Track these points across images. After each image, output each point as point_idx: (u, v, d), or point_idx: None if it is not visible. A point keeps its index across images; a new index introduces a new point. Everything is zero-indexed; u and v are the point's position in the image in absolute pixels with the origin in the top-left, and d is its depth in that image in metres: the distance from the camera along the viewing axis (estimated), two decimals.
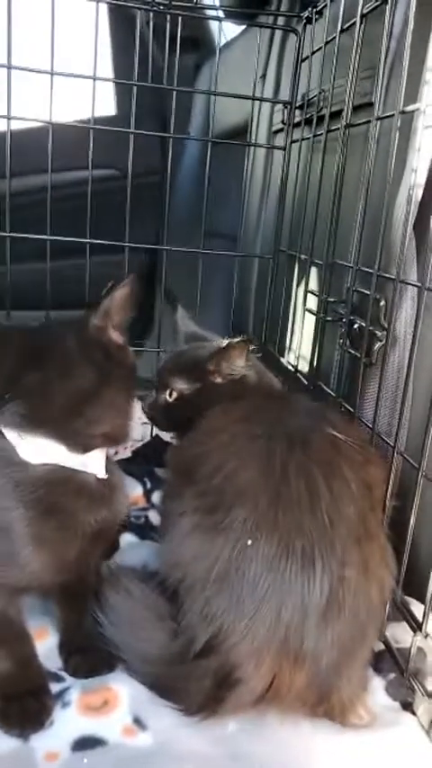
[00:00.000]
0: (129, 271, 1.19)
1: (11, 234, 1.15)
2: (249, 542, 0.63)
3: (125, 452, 1.23)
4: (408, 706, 0.65)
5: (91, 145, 1.12)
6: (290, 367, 1.16)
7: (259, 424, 0.73)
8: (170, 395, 0.92)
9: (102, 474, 0.69)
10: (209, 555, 0.65)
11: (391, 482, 0.75)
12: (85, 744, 0.62)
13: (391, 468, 0.75)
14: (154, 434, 1.27)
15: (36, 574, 0.65)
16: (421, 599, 0.70)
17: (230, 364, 0.88)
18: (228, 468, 0.69)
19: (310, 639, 0.61)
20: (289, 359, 1.19)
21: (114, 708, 0.66)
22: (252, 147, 1.37)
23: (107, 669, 0.71)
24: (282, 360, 1.21)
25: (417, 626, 0.68)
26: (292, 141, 1.21)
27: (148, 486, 1.15)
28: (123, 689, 0.68)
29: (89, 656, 0.72)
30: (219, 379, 0.88)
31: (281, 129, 1.27)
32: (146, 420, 1.31)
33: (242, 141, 1.35)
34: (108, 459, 0.72)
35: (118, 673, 0.70)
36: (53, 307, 1.23)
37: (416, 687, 0.65)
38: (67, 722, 0.64)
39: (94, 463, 0.68)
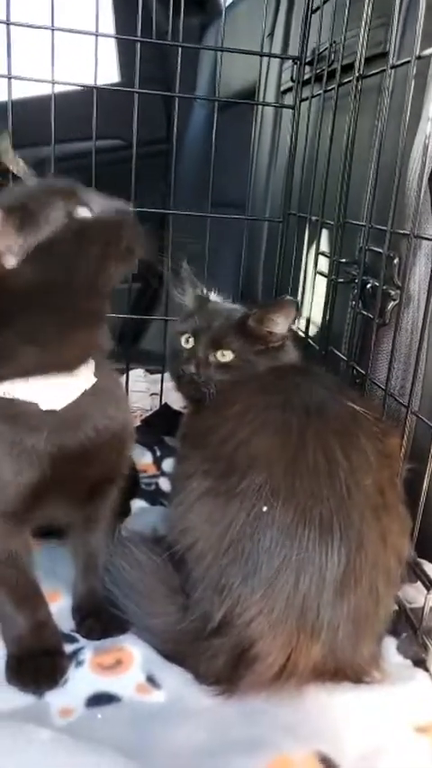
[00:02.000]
0: None
1: None
2: (265, 508, 0.61)
3: (135, 421, 1.23)
4: (420, 663, 0.65)
5: (95, 106, 1.09)
6: (300, 333, 1.14)
7: (275, 395, 0.71)
8: (223, 355, 0.86)
9: (46, 406, 0.62)
10: (221, 521, 0.63)
11: (404, 443, 0.74)
12: (99, 700, 0.62)
13: (404, 428, 0.74)
14: (163, 403, 1.26)
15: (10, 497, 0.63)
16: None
17: (280, 324, 0.85)
18: (242, 435, 0.67)
19: (326, 611, 0.60)
20: (300, 325, 1.17)
21: (128, 667, 0.66)
22: (260, 108, 1.34)
23: (120, 631, 0.71)
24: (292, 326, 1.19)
25: (430, 585, 0.68)
26: (302, 99, 1.17)
27: (158, 454, 1.14)
28: (136, 649, 0.68)
29: (102, 618, 0.72)
30: (276, 341, 0.86)
31: (290, 89, 1.24)
32: (155, 391, 1.31)
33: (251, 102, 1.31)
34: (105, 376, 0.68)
35: (130, 634, 0.71)
36: None
37: (429, 644, 0.65)
38: (81, 680, 0.64)
39: (38, 393, 0.62)
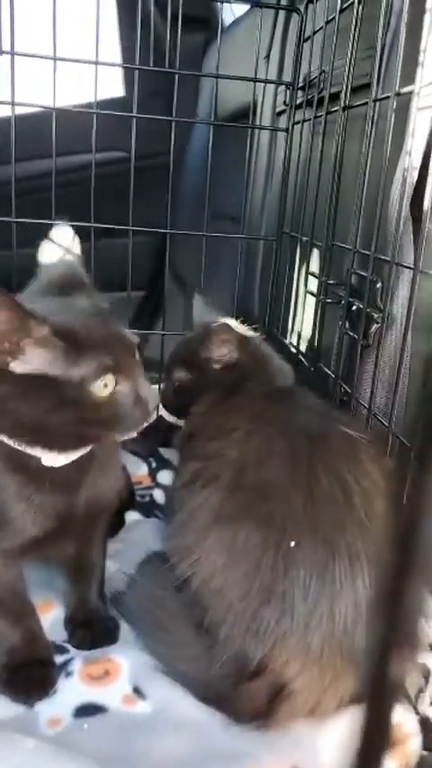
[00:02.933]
0: (135, 254, 1.21)
1: (17, 219, 1.17)
2: (293, 543, 0.61)
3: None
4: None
5: (94, 129, 1.13)
6: (292, 349, 1.17)
7: (273, 423, 0.72)
8: (174, 383, 0.94)
9: (47, 462, 0.64)
10: (246, 557, 0.62)
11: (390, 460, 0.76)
12: (87, 710, 0.65)
13: (387, 448, 0.76)
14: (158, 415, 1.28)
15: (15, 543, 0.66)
16: None
17: (215, 350, 0.88)
18: (250, 459, 0.68)
19: (362, 640, 0.59)
20: (292, 340, 1.20)
21: (115, 678, 0.69)
22: (257, 130, 1.37)
23: (109, 642, 0.74)
24: (285, 341, 1.22)
25: None
26: (295, 123, 1.21)
27: (153, 465, 1.17)
28: (124, 660, 0.71)
29: (93, 629, 0.75)
30: (215, 366, 0.89)
31: (284, 111, 1.27)
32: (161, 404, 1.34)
33: (247, 123, 1.35)
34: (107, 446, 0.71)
35: (119, 645, 0.73)
36: None
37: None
38: (70, 691, 0.67)
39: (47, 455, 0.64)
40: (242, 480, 0.67)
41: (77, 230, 1.20)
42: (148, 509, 1.04)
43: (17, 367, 0.58)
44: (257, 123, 1.36)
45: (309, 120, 1.10)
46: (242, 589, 0.62)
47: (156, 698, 0.67)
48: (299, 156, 1.16)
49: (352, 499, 0.63)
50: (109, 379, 0.60)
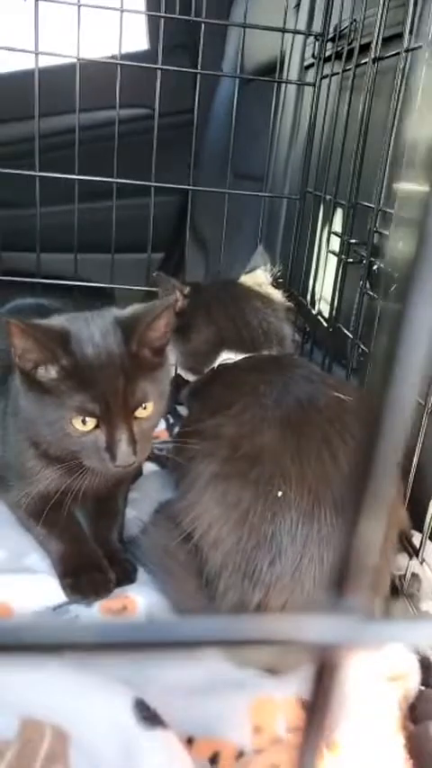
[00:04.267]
0: (156, 215, 1.21)
1: (40, 173, 1.17)
2: (280, 493, 0.65)
3: None
4: None
5: (118, 81, 1.12)
6: (312, 309, 1.18)
7: (268, 395, 0.76)
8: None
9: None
10: (237, 506, 0.67)
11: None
12: None
13: None
14: (176, 373, 1.31)
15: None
16: (421, 530, 0.74)
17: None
18: (244, 430, 0.72)
19: None
20: (312, 300, 1.20)
21: (132, 613, 0.73)
22: (283, 85, 1.34)
23: (128, 582, 0.78)
24: (304, 301, 1.23)
25: (414, 553, 0.72)
26: (323, 77, 1.18)
27: (171, 421, 1.20)
28: (140, 598, 0.75)
29: (115, 569, 0.78)
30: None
31: (312, 65, 1.24)
32: (172, 361, 1.36)
33: (275, 77, 1.32)
34: None
35: (136, 585, 0.77)
36: (81, 250, 1.27)
37: (409, 605, 0.70)
38: (90, 620, 0.71)
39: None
40: (237, 452, 0.71)
41: (98, 188, 1.20)
42: (164, 461, 1.08)
43: (40, 374, 0.68)
44: (284, 78, 1.33)
45: (337, 73, 1.08)
46: (235, 537, 0.66)
47: None
48: (325, 113, 1.14)
49: (338, 457, 0.67)
50: (90, 420, 0.67)
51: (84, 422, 0.67)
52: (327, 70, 1.17)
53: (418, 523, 0.79)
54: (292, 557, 0.64)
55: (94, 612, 0.72)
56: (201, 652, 0.15)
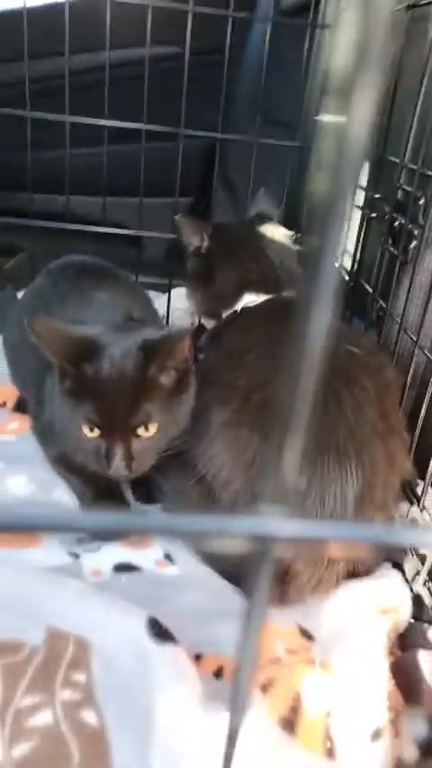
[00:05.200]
0: (184, 159, 1.21)
1: (70, 118, 1.18)
2: None
3: None
4: (397, 565, 0.75)
5: (149, 23, 1.11)
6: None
7: (281, 345, 0.78)
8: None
9: None
10: (246, 450, 0.71)
11: (411, 374, 0.81)
12: (124, 568, 0.75)
13: (411, 361, 0.80)
14: (200, 323, 1.34)
15: None
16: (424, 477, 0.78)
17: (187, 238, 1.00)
18: (255, 380, 0.75)
19: None
20: None
21: (150, 545, 0.79)
22: (317, 29, 1.31)
23: (159, 500, 0.86)
24: None
25: (416, 499, 0.77)
26: None
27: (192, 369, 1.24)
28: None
29: (149, 486, 0.86)
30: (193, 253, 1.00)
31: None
32: (194, 309, 1.39)
33: (308, 19, 1.29)
34: None
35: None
36: (109, 193, 1.28)
37: (408, 549, 0.75)
38: (111, 550, 0.77)
39: None
40: (248, 403, 0.75)
41: (126, 131, 1.20)
42: None
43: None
44: (319, 20, 1.29)
45: None
46: (243, 479, 0.71)
47: (183, 564, 0.77)
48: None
49: (343, 408, 0.71)
50: (96, 429, 0.72)
51: (91, 429, 0.73)
52: None
53: (423, 474, 0.83)
54: (295, 499, 0.68)
55: (115, 544, 0.79)
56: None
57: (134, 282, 1.11)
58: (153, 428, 0.74)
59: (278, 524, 0.17)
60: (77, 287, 0.93)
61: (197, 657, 0.63)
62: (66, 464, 0.86)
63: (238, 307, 0.97)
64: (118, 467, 0.72)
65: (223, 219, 1.79)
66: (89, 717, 0.56)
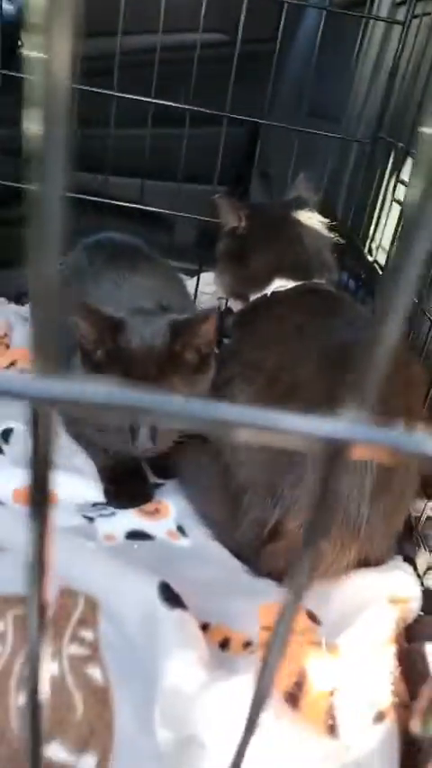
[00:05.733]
0: (227, 144, 1.21)
1: (117, 94, 1.18)
2: None
3: None
4: (409, 559, 0.75)
5: (204, 6, 1.11)
6: (368, 257, 1.18)
7: (312, 336, 0.79)
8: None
9: None
10: None
11: None
12: (137, 535, 0.76)
13: None
14: (227, 306, 1.34)
15: None
16: None
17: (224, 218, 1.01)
18: (285, 366, 0.76)
19: (365, 512, 0.67)
20: (370, 248, 1.21)
21: (164, 516, 0.80)
22: (371, 21, 1.30)
23: (165, 476, 0.87)
24: (362, 249, 1.23)
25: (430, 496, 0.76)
26: (414, 16, 1.14)
27: (216, 352, 1.24)
28: (173, 504, 0.82)
29: (167, 462, 0.86)
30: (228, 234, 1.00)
31: (404, 2, 1.20)
32: (222, 294, 1.40)
33: (363, 11, 1.27)
34: None
35: (170, 492, 0.84)
36: (149, 176, 1.29)
37: (421, 543, 0.75)
38: (125, 517, 0.78)
39: None
40: (274, 384, 0.75)
41: (169, 113, 1.21)
42: None
43: (95, 356, 0.75)
44: (373, 13, 1.28)
45: (429, 14, 1.04)
46: (263, 459, 0.71)
47: (195, 537, 0.77)
48: (411, 55, 1.11)
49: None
50: None
51: None
52: (419, 9, 1.12)
53: None
54: (313, 485, 0.68)
55: (129, 512, 0.79)
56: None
57: (169, 266, 1.11)
58: None
59: (356, 427, 0.17)
60: (113, 267, 0.93)
61: (204, 627, 0.64)
62: (86, 442, 0.87)
63: (269, 291, 0.97)
64: (144, 437, 0.72)
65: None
66: (95, 673, 0.56)
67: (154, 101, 1.20)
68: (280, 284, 0.97)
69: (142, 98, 1.20)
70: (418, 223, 0.17)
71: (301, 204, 1.02)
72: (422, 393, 0.79)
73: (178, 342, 0.75)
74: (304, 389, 0.73)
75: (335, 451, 0.17)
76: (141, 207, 1.29)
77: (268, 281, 0.97)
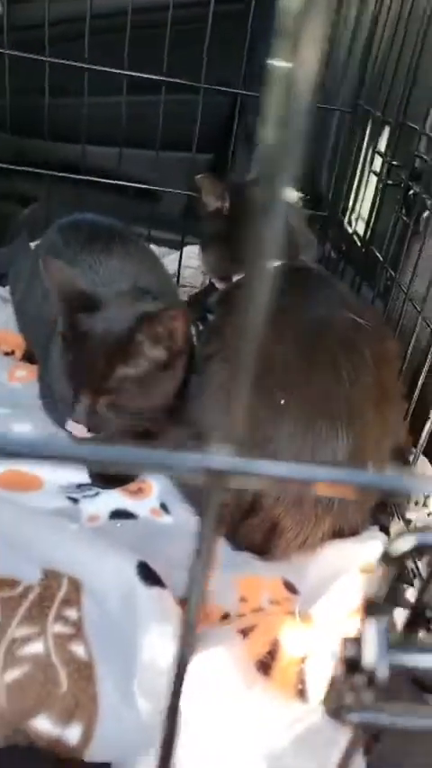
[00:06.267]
0: (207, 113, 1.19)
1: (89, 66, 1.16)
2: (282, 402, 0.71)
3: (183, 296, 1.33)
4: (384, 528, 0.77)
5: None
6: (348, 228, 1.18)
7: (288, 311, 0.79)
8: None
9: None
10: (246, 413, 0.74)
11: (412, 343, 0.81)
12: (120, 514, 0.78)
13: (413, 332, 0.81)
14: (210, 282, 1.34)
15: None
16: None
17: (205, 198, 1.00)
18: (262, 344, 0.76)
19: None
20: (351, 220, 1.20)
21: (147, 495, 0.82)
22: None
23: None
24: (343, 220, 1.23)
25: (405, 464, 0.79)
26: None
27: (200, 328, 1.25)
28: (156, 484, 0.84)
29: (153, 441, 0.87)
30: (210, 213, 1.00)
31: None
32: (206, 270, 1.40)
33: None
34: None
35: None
36: (127, 145, 1.27)
37: (395, 513, 0.77)
38: (109, 497, 0.80)
39: None
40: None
41: (146, 80, 1.18)
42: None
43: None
44: None
45: None
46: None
47: (178, 514, 0.80)
48: (387, 19, 1.09)
49: (339, 375, 0.72)
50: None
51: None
52: None
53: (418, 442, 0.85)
54: (286, 459, 0.70)
55: (113, 492, 0.82)
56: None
57: (147, 247, 1.10)
58: (124, 396, 0.75)
59: (224, 459, 0.18)
60: (88, 250, 0.93)
61: (182, 602, 0.66)
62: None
63: None
64: (78, 414, 0.73)
65: (243, 177, 1.77)
66: (78, 650, 0.59)
67: (127, 72, 1.18)
68: None
69: (115, 70, 1.18)
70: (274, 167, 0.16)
71: None
72: (396, 367, 0.81)
73: (141, 333, 0.74)
74: (280, 367, 0.74)
75: (213, 482, 0.19)
76: (126, 183, 1.28)
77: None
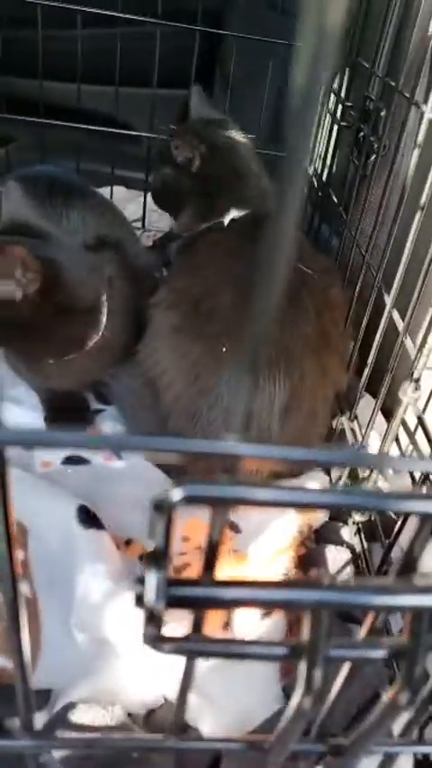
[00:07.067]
0: (180, 47, 1.14)
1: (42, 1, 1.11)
2: (224, 349, 0.74)
3: (147, 241, 1.32)
4: (326, 470, 0.81)
5: None
6: (308, 170, 1.16)
7: (241, 260, 0.80)
8: (159, 180, 1.01)
9: None
10: (188, 356, 0.76)
11: (358, 288, 0.82)
12: (73, 460, 0.81)
13: (360, 275, 0.82)
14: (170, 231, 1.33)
15: None
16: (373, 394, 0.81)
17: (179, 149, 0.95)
18: (209, 292, 0.78)
19: (276, 429, 0.73)
20: (311, 163, 1.18)
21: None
22: None
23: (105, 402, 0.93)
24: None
25: (348, 408, 0.81)
26: None
27: (164, 274, 1.25)
28: (110, 428, 0.87)
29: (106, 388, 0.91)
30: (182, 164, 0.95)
31: None
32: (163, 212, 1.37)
33: None
34: None
35: (107, 421, 0.89)
36: (85, 80, 1.22)
37: None
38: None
39: None
40: (196, 309, 0.78)
41: (101, 17, 1.12)
42: None
43: None
44: None
45: None
46: (184, 382, 0.76)
47: (130, 459, 0.83)
48: None
49: (284, 325, 0.74)
50: None
51: None
52: None
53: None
54: (227, 405, 0.73)
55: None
56: None
57: (107, 200, 1.08)
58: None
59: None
60: (49, 204, 0.92)
61: (127, 543, 0.70)
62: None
63: (226, 221, 0.95)
64: None
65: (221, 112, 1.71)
66: (24, 588, 0.63)
67: (80, 8, 1.13)
68: (232, 215, 0.95)
69: (69, 5, 1.13)
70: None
71: (225, 125, 0.99)
72: (341, 315, 0.82)
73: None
74: (225, 315, 0.76)
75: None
76: (84, 126, 1.24)
77: (221, 215, 0.95)
